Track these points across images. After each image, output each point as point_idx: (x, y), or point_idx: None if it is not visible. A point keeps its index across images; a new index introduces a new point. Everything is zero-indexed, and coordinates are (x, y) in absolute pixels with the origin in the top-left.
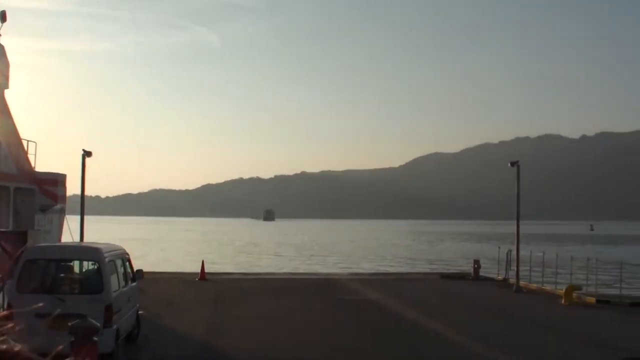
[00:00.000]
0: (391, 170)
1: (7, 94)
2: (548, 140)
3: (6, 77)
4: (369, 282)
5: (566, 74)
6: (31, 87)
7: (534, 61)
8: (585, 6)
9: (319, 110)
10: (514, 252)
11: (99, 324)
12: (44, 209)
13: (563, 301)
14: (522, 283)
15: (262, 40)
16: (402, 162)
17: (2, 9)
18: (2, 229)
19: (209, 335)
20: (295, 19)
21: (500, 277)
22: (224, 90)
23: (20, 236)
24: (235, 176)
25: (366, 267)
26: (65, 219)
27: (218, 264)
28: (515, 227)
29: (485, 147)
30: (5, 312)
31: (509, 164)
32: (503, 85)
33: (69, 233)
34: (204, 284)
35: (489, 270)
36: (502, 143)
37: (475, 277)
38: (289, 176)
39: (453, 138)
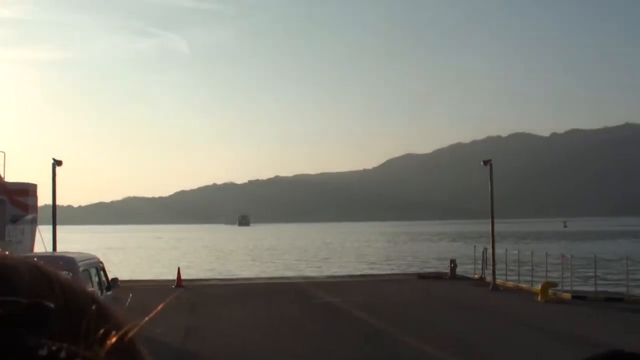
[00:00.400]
0: (365, 172)
1: None
2: (519, 139)
3: None
4: (345, 285)
5: (536, 72)
6: None
7: (504, 60)
8: (555, 3)
9: (291, 114)
10: (490, 251)
11: None
12: (15, 220)
13: (539, 298)
14: (498, 281)
15: (230, 45)
16: (376, 164)
17: None
18: None
19: (186, 341)
20: (264, 22)
21: (476, 276)
22: (195, 96)
23: None
24: (209, 182)
25: (343, 269)
26: (37, 229)
27: (194, 271)
28: (490, 225)
29: (457, 147)
30: None
31: (482, 163)
32: (474, 85)
33: (42, 243)
34: (180, 291)
35: (465, 269)
36: (474, 142)
37: (452, 276)
38: (263, 181)
39: (425, 138)
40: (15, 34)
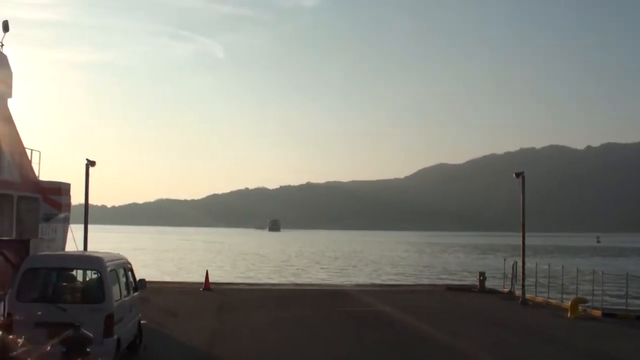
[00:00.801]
0: (396, 181)
1: (11, 103)
2: (553, 151)
3: (9, 87)
4: (373, 294)
5: (571, 84)
6: (35, 97)
7: (539, 71)
8: (588, 15)
9: (324, 121)
10: (520, 264)
11: (91, 335)
12: (47, 218)
13: (569, 314)
14: (527, 295)
15: (266, 51)
16: (408, 173)
17: (4, 19)
18: (4, 238)
19: (211, 345)
20: (299, 29)
21: (506, 290)
22: (229, 100)
23: (23, 245)
24: (241, 186)
25: (371, 278)
26: (69, 228)
27: (223, 274)
28: (520, 238)
29: (490, 158)
30: (4, 320)
31: (514, 175)
32: (508, 96)
33: (73, 242)
34: (208, 294)
35: (495, 282)
36: (507, 154)
37: (480, 289)
38: (294, 186)
39: (458, 149)
40: (55, 36)
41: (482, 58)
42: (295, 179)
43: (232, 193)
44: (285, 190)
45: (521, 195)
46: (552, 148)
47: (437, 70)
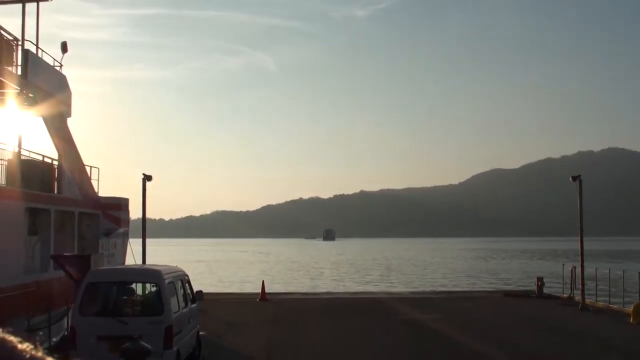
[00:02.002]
0: (451, 188)
1: (70, 122)
2: (612, 154)
3: (68, 106)
4: (430, 301)
5: (630, 85)
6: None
7: (596, 73)
8: None
9: (377, 129)
10: (579, 269)
11: (149, 347)
12: (107, 233)
13: (631, 320)
14: (587, 301)
15: (316, 62)
16: (462, 179)
17: (63, 41)
18: (67, 254)
19: (269, 355)
20: (351, 39)
21: (565, 295)
22: (281, 112)
23: (84, 260)
24: (295, 196)
25: (428, 285)
26: (128, 243)
27: (279, 285)
28: (579, 243)
29: (547, 162)
30: (68, 334)
31: (571, 179)
32: (564, 99)
33: (132, 256)
34: (264, 305)
35: (553, 288)
36: (564, 158)
37: (539, 295)
38: (348, 195)
39: (513, 154)
40: (111, 55)
41: (535, 62)
42: (349, 188)
43: (286, 203)
44: (339, 199)
45: (578, 199)
46: (611, 151)
47: (492, 75)
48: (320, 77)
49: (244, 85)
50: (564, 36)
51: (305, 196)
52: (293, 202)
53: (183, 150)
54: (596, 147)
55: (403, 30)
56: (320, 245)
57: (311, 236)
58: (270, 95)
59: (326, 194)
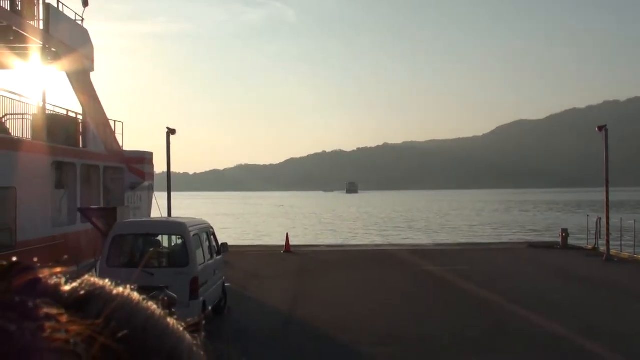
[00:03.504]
0: (475, 139)
1: (93, 76)
2: (638, 103)
3: (91, 61)
4: (454, 253)
5: None
6: (115, 69)
7: (622, 22)
8: None
9: (400, 81)
10: (604, 220)
11: (176, 296)
12: (133, 187)
13: None
14: (612, 252)
15: (338, 12)
16: (486, 131)
17: None
18: (93, 207)
19: (293, 306)
20: None
21: (589, 246)
22: (303, 64)
23: (111, 213)
24: (318, 149)
25: (451, 237)
26: (153, 196)
27: (302, 237)
28: (604, 194)
29: (572, 113)
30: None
31: (597, 129)
32: (589, 48)
33: (158, 209)
34: (288, 257)
35: (578, 239)
36: (589, 108)
37: (563, 246)
38: (371, 148)
39: (538, 104)
40: (132, 9)
41: (563, 8)
42: (372, 141)
43: (309, 157)
44: (362, 152)
45: (604, 149)
46: (638, 100)
47: (514, 24)
48: (342, 27)
49: (266, 37)
50: None
51: (329, 149)
52: (316, 155)
53: (206, 104)
54: (622, 96)
55: None
56: (343, 198)
57: (329, 189)
58: (291, 47)
59: (349, 147)
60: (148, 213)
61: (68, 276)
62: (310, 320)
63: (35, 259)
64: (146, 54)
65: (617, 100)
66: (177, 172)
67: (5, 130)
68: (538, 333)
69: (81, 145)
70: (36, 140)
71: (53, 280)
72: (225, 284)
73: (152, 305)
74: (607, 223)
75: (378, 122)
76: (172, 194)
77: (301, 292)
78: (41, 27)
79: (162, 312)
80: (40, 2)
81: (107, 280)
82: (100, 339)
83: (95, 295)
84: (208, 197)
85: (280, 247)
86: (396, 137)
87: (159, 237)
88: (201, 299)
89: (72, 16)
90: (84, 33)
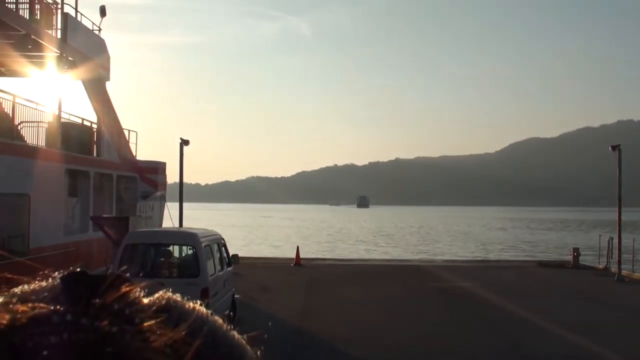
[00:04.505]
0: (487, 156)
1: (108, 86)
2: None
3: (107, 70)
4: (463, 270)
5: None
6: (130, 79)
7: (636, 40)
8: None
9: (413, 97)
10: (616, 240)
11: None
12: (145, 196)
13: None
14: (624, 272)
15: (352, 28)
16: (498, 148)
17: (101, 4)
18: (105, 215)
19: (302, 319)
20: (387, 5)
21: (601, 266)
22: (316, 78)
23: (123, 222)
24: (330, 163)
25: (461, 254)
26: (165, 206)
27: (313, 250)
28: (616, 213)
29: (585, 132)
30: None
31: (610, 148)
32: (603, 67)
33: (170, 219)
34: (298, 270)
35: (589, 259)
36: (603, 127)
37: (574, 265)
38: (383, 163)
39: (551, 122)
40: (148, 20)
41: (578, 26)
42: (384, 155)
43: (321, 170)
44: (373, 167)
45: (617, 169)
46: None
47: (530, 43)
48: (356, 43)
49: (279, 51)
50: (604, 2)
51: (340, 163)
52: (328, 168)
53: (219, 116)
54: (636, 115)
55: None
56: (353, 212)
57: (336, 202)
58: (305, 61)
59: (361, 161)
60: (160, 223)
61: (146, 290)
62: (319, 333)
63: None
64: (161, 66)
65: (631, 119)
66: (189, 182)
67: (21, 138)
68: (552, 354)
69: (95, 154)
70: (51, 148)
71: (137, 292)
72: (235, 296)
73: (219, 319)
74: (619, 243)
75: (390, 137)
76: (184, 204)
77: (310, 305)
78: (59, 36)
79: (227, 325)
80: (59, 11)
81: (178, 295)
82: (183, 346)
83: (171, 307)
84: (219, 209)
85: (290, 259)
86: (408, 152)
87: (170, 247)
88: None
89: (90, 26)
90: (101, 43)
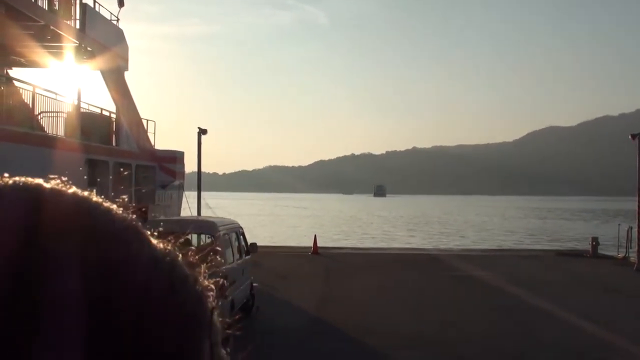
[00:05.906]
0: (505, 145)
1: (127, 75)
2: None
3: (126, 60)
4: (481, 259)
5: None
6: (148, 69)
7: None
8: None
9: (430, 85)
10: (635, 230)
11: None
12: (164, 185)
13: None
14: None
15: (369, 16)
16: (516, 137)
17: None
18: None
19: (320, 307)
20: None
21: (620, 256)
22: (334, 67)
23: (141, 211)
24: (347, 152)
25: (479, 243)
26: (184, 195)
27: (330, 239)
28: (636, 203)
29: (604, 120)
30: None
31: (630, 137)
32: (622, 55)
33: (188, 208)
34: (316, 258)
35: (608, 248)
36: (622, 115)
37: (593, 255)
38: (400, 152)
39: (570, 111)
40: (164, 11)
41: (596, 15)
42: (401, 144)
43: (338, 159)
44: (391, 156)
45: (638, 158)
46: None
47: (550, 32)
48: (373, 31)
49: (295, 40)
50: None
51: (357, 152)
52: (345, 157)
53: (237, 105)
54: None
55: None
56: (370, 201)
57: (348, 191)
58: (322, 51)
59: (378, 150)
60: (178, 212)
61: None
62: (336, 322)
63: None
64: (179, 55)
65: None
66: (207, 171)
67: (40, 128)
68: (572, 343)
69: (114, 144)
70: (70, 138)
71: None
72: (253, 284)
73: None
74: (639, 232)
75: (408, 126)
76: (202, 193)
77: (328, 294)
78: (77, 26)
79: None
80: (77, 2)
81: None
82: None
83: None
84: (237, 198)
85: (308, 248)
86: (426, 141)
87: (189, 236)
88: (229, 298)
89: (108, 16)
90: (119, 33)
